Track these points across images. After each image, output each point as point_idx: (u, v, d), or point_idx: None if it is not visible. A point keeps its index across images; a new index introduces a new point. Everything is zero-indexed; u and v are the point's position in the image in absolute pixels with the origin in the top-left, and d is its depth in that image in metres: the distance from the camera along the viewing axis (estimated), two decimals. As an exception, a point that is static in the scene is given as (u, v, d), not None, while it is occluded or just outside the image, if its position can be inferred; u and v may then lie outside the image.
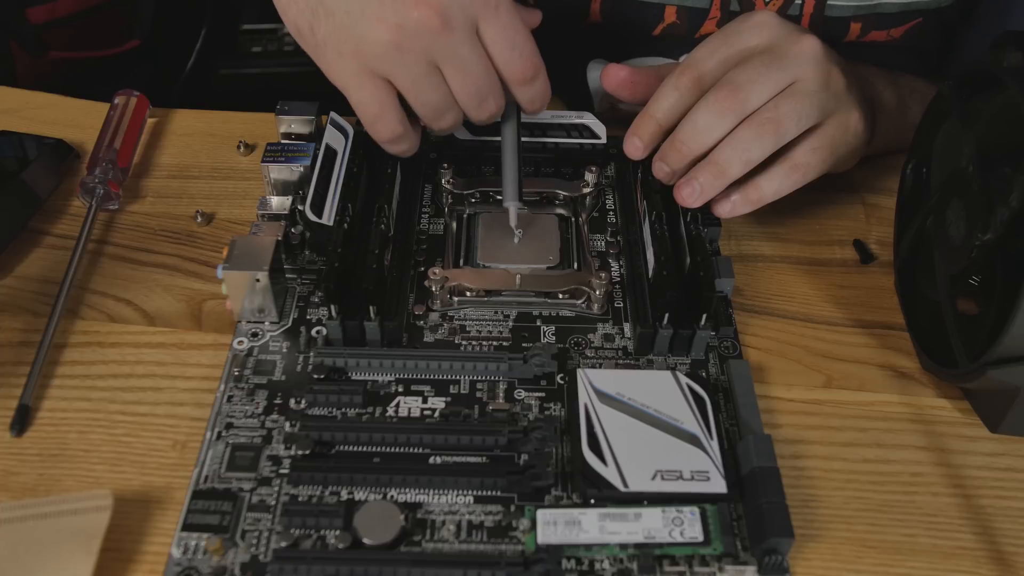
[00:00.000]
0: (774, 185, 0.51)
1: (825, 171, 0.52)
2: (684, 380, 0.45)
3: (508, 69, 0.49)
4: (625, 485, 0.41)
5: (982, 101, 0.47)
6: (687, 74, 0.51)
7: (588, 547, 0.40)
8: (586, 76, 0.67)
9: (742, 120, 0.49)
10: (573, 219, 0.56)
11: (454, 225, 0.56)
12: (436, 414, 0.46)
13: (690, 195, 0.50)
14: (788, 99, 0.49)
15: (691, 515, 0.41)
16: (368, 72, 0.47)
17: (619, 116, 0.67)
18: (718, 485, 0.41)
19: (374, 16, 0.46)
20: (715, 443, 0.43)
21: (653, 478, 0.42)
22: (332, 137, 0.55)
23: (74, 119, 0.64)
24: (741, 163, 0.49)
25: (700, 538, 0.40)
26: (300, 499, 0.42)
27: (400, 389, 0.47)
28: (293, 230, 0.53)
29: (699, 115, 0.50)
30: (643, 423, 0.44)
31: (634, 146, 0.53)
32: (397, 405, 0.46)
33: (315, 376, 0.47)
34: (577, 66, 0.66)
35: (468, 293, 0.51)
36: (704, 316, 0.47)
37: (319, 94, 0.56)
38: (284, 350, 0.48)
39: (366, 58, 0.47)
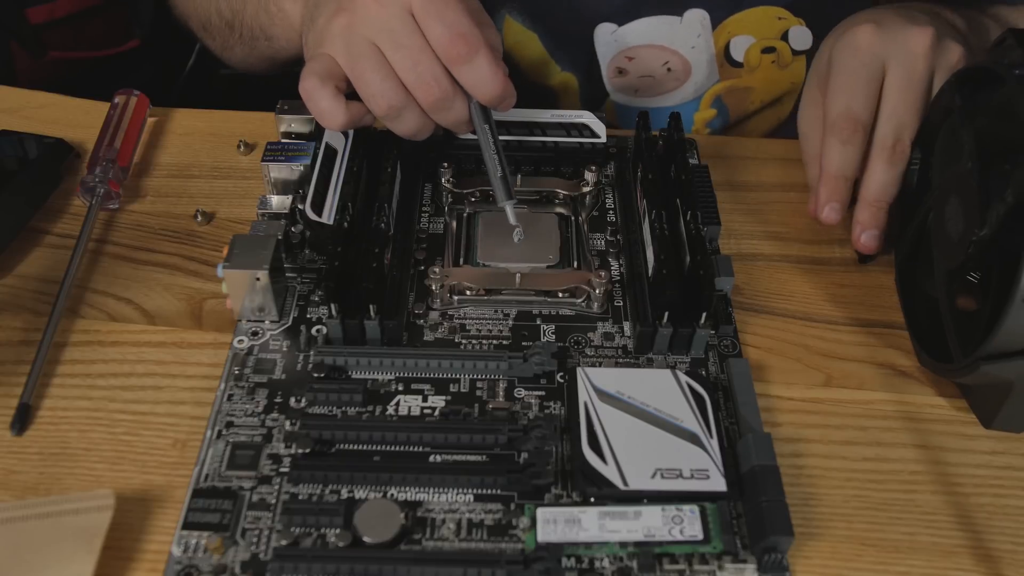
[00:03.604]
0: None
1: None
2: (684, 379, 0.46)
3: (440, 46, 0.49)
4: (625, 483, 0.41)
5: (983, 98, 0.47)
6: (845, 126, 0.52)
7: (588, 545, 0.40)
8: (593, 39, 0.67)
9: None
10: (573, 218, 0.57)
11: (454, 224, 0.56)
12: (436, 413, 0.46)
13: (870, 238, 0.53)
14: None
15: (691, 513, 0.41)
16: (322, 53, 0.52)
17: (627, 81, 0.68)
18: (718, 483, 0.42)
19: (335, 8, 0.51)
20: (715, 441, 0.43)
21: (653, 476, 0.42)
22: (332, 136, 0.55)
23: (74, 119, 0.64)
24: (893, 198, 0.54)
25: (700, 536, 0.40)
26: (300, 497, 0.42)
27: (400, 388, 0.47)
28: (293, 229, 0.53)
29: (880, 174, 0.53)
30: (643, 421, 0.44)
31: (833, 209, 0.54)
32: (397, 404, 0.46)
33: (315, 375, 0.47)
34: (585, 30, 0.67)
35: (468, 292, 0.51)
36: (704, 315, 0.47)
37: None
38: (284, 349, 0.49)
39: (325, 44, 0.52)
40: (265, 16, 0.63)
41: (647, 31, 0.66)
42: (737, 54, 0.68)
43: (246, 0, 0.64)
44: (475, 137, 0.57)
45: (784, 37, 0.68)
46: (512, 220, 0.53)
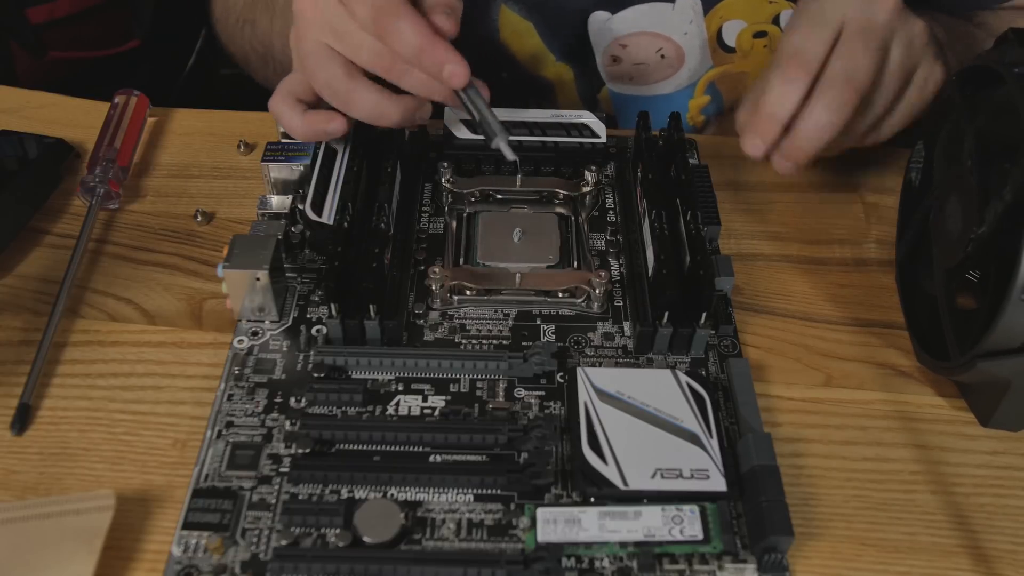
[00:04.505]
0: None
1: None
2: (684, 378, 0.46)
3: (367, 27, 0.48)
4: (625, 483, 0.41)
5: (984, 96, 0.47)
6: (793, 65, 0.49)
7: (588, 545, 0.40)
8: (587, 28, 0.67)
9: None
10: (573, 218, 0.56)
11: (454, 224, 0.56)
12: (436, 413, 0.46)
13: (785, 168, 0.51)
14: (885, 84, 0.50)
15: (691, 513, 0.41)
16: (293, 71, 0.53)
17: (623, 70, 0.68)
18: (718, 483, 0.42)
19: (292, 28, 0.53)
20: (715, 441, 0.43)
21: (653, 476, 0.42)
22: (332, 136, 0.55)
23: (74, 118, 0.64)
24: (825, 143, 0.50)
25: (700, 536, 0.40)
26: (300, 497, 0.42)
27: (400, 388, 0.47)
28: (293, 229, 0.53)
29: (820, 114, 0.49)
30: (643, 421, 0.44)
31: (755, 146, 0.51)
32: (397, 404, 0.46)
33: (315, 375, 0.47)
34: (579, 19, 0.67)
35: (468, 292, 0.51)
36: (704, 315, 0.47)
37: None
38: (284, 349, 0.49)
39: (295, 63, 0.53)
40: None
41: (640, 18, 0.67)
42: (729, 39, 0.68)
43: (273, 38, 0.64)
44: (475, 137, 0.57)
45: (775, 21, 0.68)
46: (509, 156, 0.51)
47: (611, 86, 0.71)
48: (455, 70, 0.48)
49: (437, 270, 0.50)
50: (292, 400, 0.46)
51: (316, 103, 0.53)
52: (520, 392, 0.47)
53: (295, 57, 0.53)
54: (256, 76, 0.73)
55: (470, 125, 0.57)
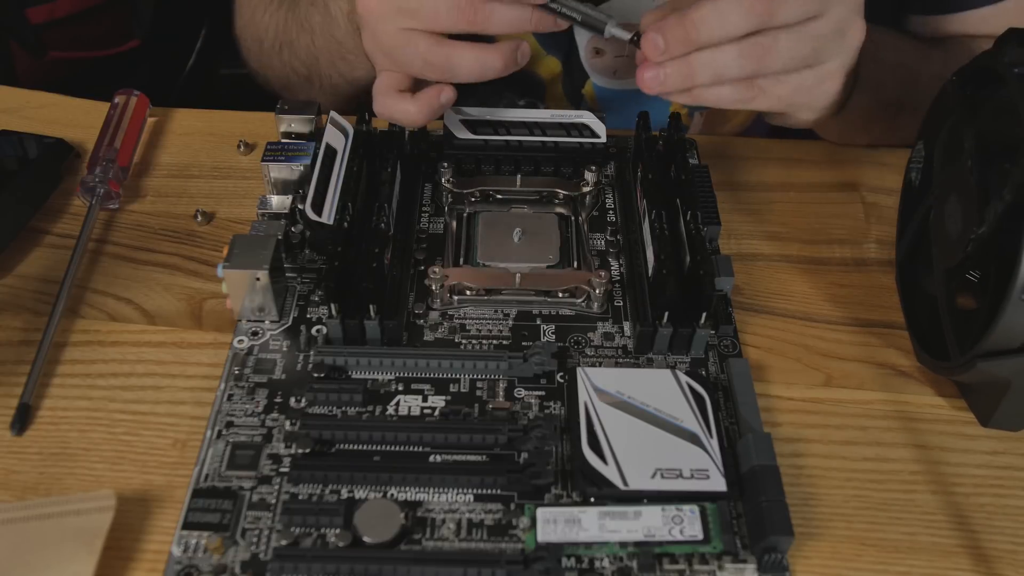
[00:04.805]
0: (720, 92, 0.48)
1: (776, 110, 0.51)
2: (684, 379, 0.46)
3: None
4: (625, 483, 0.41)
5: (984, 96, 0.47)
6: (760, 2, 0.45)
7: (588, 545, 0.40)
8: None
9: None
10: (573, 218, 0.56)
11: (454, 224, 0.56)
12: (436, 413, 0.46)
13: (652, 80, 0.47)
14: (800, 40, 0.46)
15: (691, 513, 0.41)
16: (379, 73, 0.54)
17: (605, 63, 0.68)
18: (718, 483, 0.42)
19: (361, 31, 0.55)
20: (715, 441, 0.43)
21: (653, 476, 0.42)
22: (332, 136, 0.55)
23: (74, 118, 0.64)
24: (714, 76, 0.46)
25: (700, 536, 0.40)
26: (300, 497, 0.42)
27: (400, 388, 0.47)
28: (293, 229, 0.53)
29: (728, 7, 0.45)
30: (643, 421, 0.44)
31: (655, 46, 0.46)
32: (397, 404, 0.46)
33: (315, 375, 0.47)
34: None
35: (468, 292, 0.51)
36: (704, 315, 0.47)
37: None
38: (284, 349, 0.49)
39: (376, 64, 0.55)
40: (344, 65, 0.62)
41: (622, 9, 0.66)
42: None
43: (317, 56, 0.63)
44: (475, 137, 0.57)
45: None
46: (627, 36, 0.49)
47: (595, 79, 0.70)
48: None
49: (437, 270, 0.50)
50: (292, 400, 0.46)
51: (415, 89, 0.53)
52: (520, 392, 0.47)
53: (378, 57, 0.54)
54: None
55: (470, 126, 0.57)
